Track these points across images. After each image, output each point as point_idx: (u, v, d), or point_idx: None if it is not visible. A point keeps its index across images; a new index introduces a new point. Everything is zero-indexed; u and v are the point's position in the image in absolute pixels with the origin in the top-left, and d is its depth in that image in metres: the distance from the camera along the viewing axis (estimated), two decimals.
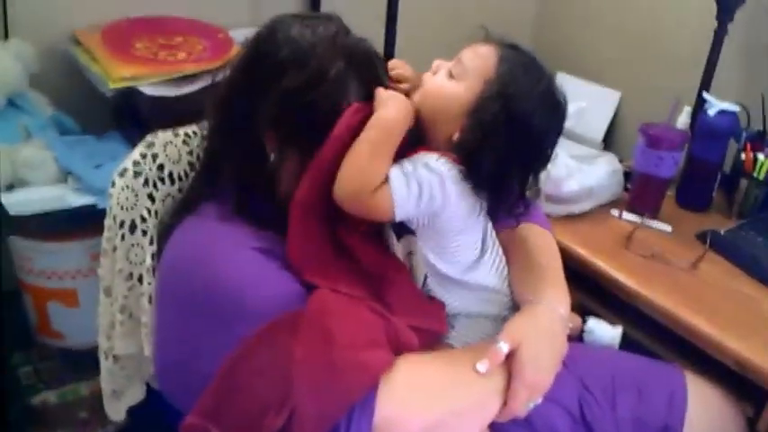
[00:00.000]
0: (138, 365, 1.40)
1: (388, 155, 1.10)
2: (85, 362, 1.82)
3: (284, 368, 0.99)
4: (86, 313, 1.73)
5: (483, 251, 1.21)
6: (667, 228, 1.85)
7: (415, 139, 1.15)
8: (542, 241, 1.33)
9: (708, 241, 1.76)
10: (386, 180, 1.09)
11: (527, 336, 1.13)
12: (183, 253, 1.13)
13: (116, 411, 1.44)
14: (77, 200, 1.68)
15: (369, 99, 1.12)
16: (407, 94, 1.16)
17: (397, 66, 1.22)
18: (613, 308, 1.67)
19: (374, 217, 1.12)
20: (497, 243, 1.25)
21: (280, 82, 1.09)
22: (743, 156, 1.90)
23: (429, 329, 1.16)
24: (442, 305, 1.20)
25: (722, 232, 1.80)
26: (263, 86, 1.11)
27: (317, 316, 1.02)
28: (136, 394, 1.45)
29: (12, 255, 1.86)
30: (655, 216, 1.88)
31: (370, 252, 1.17)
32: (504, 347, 1.10)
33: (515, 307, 1.22)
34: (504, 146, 1.10)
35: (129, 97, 1.78)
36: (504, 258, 1.25)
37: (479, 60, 1.14)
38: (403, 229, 1.21)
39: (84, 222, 1.72)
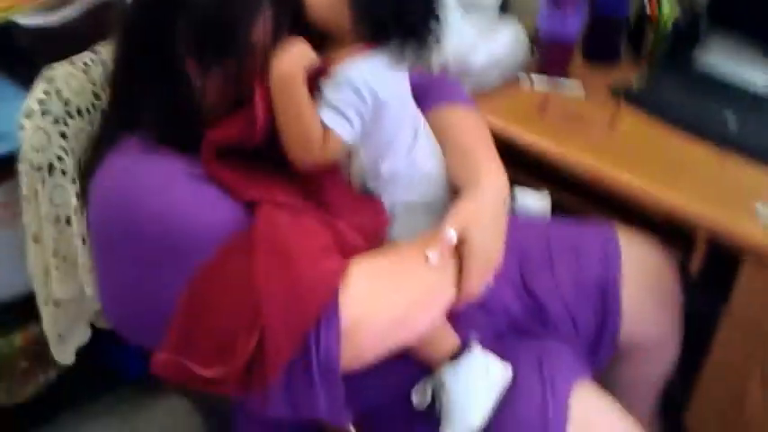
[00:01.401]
0: (79, 306, 1.42)
1: (305, 106, 1.12)
2: (13, 312, 1.83)
3: (246, 289, 1.01)
4: (4, 263, 1.73)
5: (416, 138, 1.24)
6: (580, 86, 1.89)
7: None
8: (470, 121, 1.36)
9: (622, 96, 1.82)
10: (325, 125, 1.13)
11: (472, 219, 1.17)
12: (115, 193, 1.11)
13: (64, 355, 1.47)
14: None
15: (283, 2, 1.12)
16: None
17: None
18: (537, 174, 1.71)
19: (339, 157, 1.17)
20: (428, 128, 1.29)
21: (191, 4, 1.07)
22: (647, 5, 1.95)
23: (371, 225, 1.20)
24: (379, 199, 1.23)
25: (634, 85, 1.86)
26: (174, 11, 1.08)
27: (268, 233, 1.05)
28: (82, 335, 1.48)
29: None
30: (565, 76, 1.92)
31: None
32: (451, 233, 1.15)
33: (452, 192, 1.26)
34: None
35: (5, 32, 1.72)
36: (436, 143, 1.29)
37: None
38: None
39: None
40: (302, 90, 1.11)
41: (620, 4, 1.96)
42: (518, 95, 1.89)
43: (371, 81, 1.14)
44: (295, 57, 1.11)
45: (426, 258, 1.14)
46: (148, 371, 1.06)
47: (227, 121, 1.12)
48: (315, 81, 1.14)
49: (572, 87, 1.90)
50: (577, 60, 1.99)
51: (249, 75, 1.12)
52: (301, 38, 1.13)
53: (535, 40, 1.97)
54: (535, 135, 1.72)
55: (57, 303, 1.39)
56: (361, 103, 1.13)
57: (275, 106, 1.11)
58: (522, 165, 1.71)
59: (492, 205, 1.22)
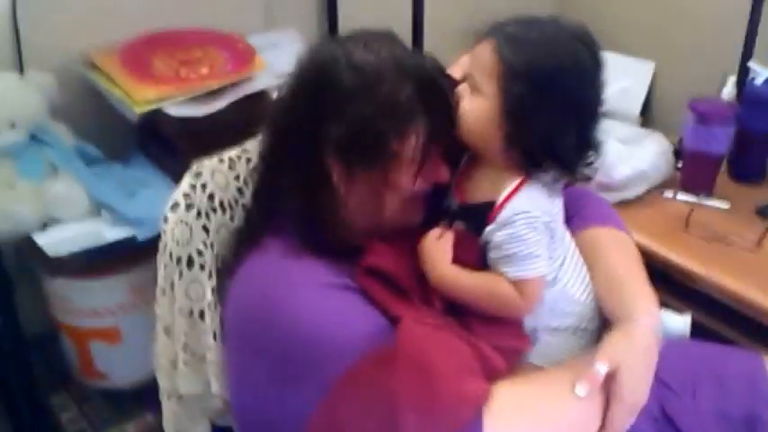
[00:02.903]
0: (202, 403, 1.43)
1: (479, 288, 1.16)
2: (128, 401, 1.88)
3: (386, 406, 1.01)
4: (130, 350, 1.78)
5: (563, 263, 1.23)
6: (725, 205, 1.87)
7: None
8: (621, 245, 1.34)
9: None
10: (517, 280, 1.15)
11: (624, 356, 1.15)
12: (257, 297, 1.14)
13: None
14: (114, 233, 1.70)
15: (437, 119, 1.14)
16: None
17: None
18: (678, 293, 1.68)
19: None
20: (577, 252, 1.28)
21: (345, 110, 1.11)
22: None
23: (510, 346, 1.18)
24: (520, 322, 1.22)
25: None
26: (327, 115, 1.12)
27: (411, 350, 1.05)
28: None
29: (48, 296, 1.88)
30: (710, 194, 1.90)
31: None
32: (602, 370, 1.12)
33: (598, 318, 1.26)
34: (551, 122, 1.12)
35: (153, 119, 1.80)
36: (584, 267, 1.28)
37: (479, 62, 1.15)
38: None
39: (121, 254, 1.75)
40: (465, 279, 1.16)
41: (766, 119, 1.93)
42: (661, 210, 1.88)
43: (540, 215, 1.15)
44: (439, 259, 1.16)
45: (573, 390, 1.12)
46: None
47: (389, 252, 1.17)
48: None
49: (717, 205, 1.88)
50: (723, 178, 1.97)
51: (392, 187, 1.15)
52: (428, 235, 1.19)
53: (679, 153, 1.95)
54: (678, 253, 1.71)
55: (180, 398, 1.40)
56: (540, 236, 1.15)
57: (465, 302, 1.17)
58: (664, 282, 1.65)
59: (644, 342, 1.19)
